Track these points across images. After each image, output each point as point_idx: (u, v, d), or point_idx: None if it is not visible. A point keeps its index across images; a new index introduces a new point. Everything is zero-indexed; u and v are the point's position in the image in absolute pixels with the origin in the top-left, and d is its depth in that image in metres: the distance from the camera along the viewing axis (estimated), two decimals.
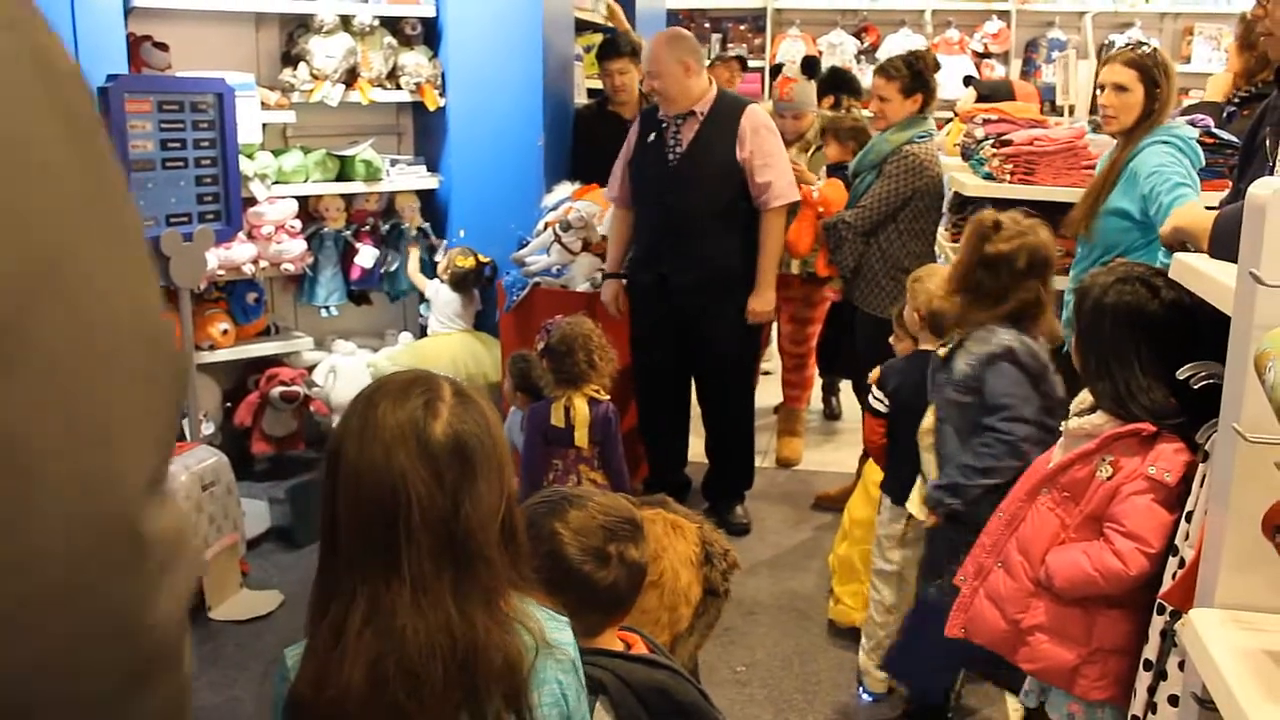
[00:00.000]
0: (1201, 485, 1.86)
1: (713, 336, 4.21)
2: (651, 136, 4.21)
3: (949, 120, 5.82)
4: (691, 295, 4.14)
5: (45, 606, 0.54)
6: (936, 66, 4.33)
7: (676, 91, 4.10)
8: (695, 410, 4.53)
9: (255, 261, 4.57)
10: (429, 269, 5.27)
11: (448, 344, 5.01)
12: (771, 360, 5.60)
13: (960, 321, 2.65)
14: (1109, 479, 2.05)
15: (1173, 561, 1.94)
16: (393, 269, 5.19)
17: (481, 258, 5.06)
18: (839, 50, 8.69)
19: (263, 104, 4.62)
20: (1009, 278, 2.59)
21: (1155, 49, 3.45)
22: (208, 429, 4.44)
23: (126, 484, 0.56)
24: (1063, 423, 2.25)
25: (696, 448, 4.58)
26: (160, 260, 3.89)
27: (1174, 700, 1.79)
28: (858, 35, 8.90)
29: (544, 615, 1.41)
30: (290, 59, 4.90)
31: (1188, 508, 1.92)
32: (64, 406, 0.54)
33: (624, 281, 4.38)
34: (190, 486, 3.58)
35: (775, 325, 5.15)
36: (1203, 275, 1.77)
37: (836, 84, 5.52)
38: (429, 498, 1.28)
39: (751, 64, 8.61)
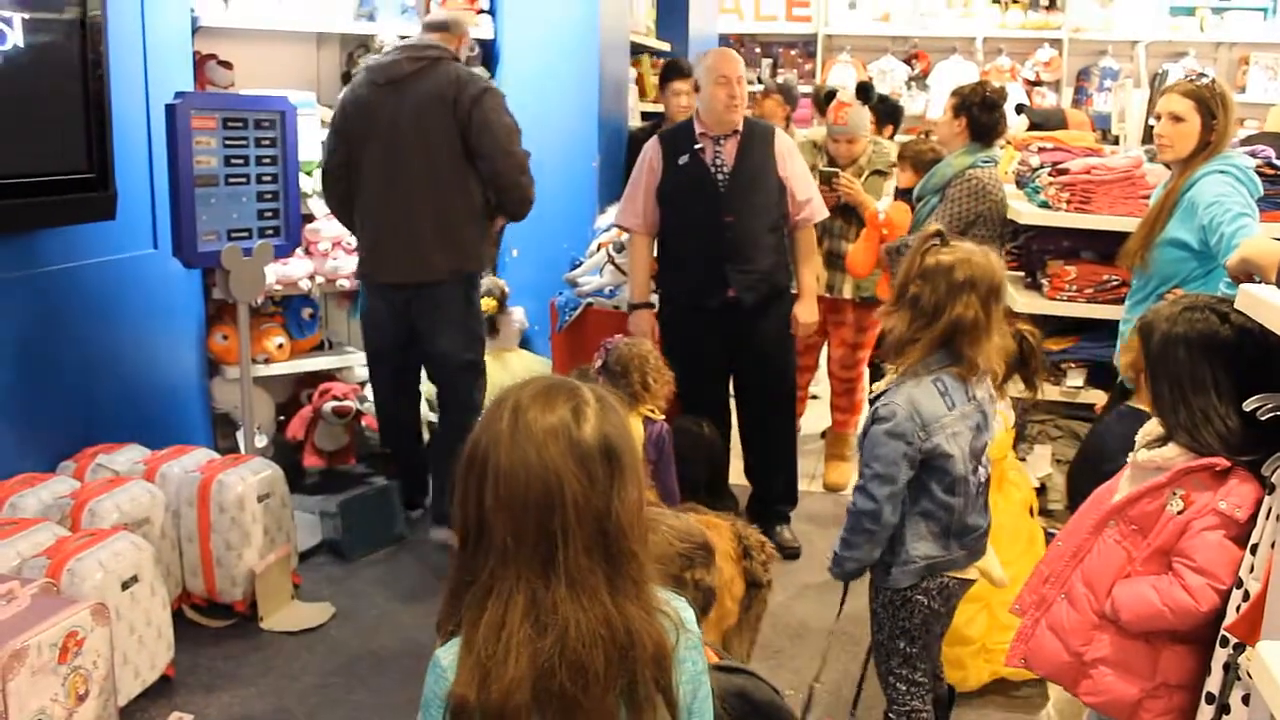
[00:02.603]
0: (1268, 518, 1.85)
1: (766, 353, 4.23)
2: (685, 159, 4.16)
3: (1001, 148, 5.81)
4: (752, 313, 4.15)
5: (526, 177, 4.13)
6: (999, 99, 4.30)
7: (745, 103, 4.16)
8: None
9: (312, 277, 4.64)
10: None
11: (494, 364, 5.04)
12: (820, 384, 5.59)
13: (900, 351, 2.57)
14: (1179, 513, 2.04)
15: (1236, 594, 1.93)
16: None
17: (504, 289, 5.11)
18: (889, 77, 8.70)
19: (323, 122, 4.69)
20: (945, 290, 2.48)
21: (1214, 80, 3.42)
22: (261, 441, 4.50)
23: (528, 168, 4.12)
24: (1130, 454, 2.23)
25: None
26: (221, 274, 3.96)
27: None
28: (908, 62, 8.91)
29: (670, 597, 1.46)
30: (350, 78, 4.97)
31: (1252, 540, 1.91)
32: (517, 148, 4.06)
33: (655, 309, 4.33)
34: (246, 498, 3.64)
35: (825, 349, 5.14)
36: (1270, 306, 1.77)
37: (886, 112, 5.54)
38: (584, 497, 1.33)
39: (802, 89, 8.66)
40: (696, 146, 4.15)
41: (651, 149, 4.27)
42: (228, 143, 3.99)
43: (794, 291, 4.31)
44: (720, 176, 4.13)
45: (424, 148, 3.97)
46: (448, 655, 1.38)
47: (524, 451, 1.34)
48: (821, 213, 4.28)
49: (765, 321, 4.19)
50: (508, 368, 5.00)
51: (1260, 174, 3.51)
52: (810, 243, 4.28)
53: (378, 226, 4.07)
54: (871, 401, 2.66)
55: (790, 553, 4.34)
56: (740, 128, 4.14)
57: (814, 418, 5.65)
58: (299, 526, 4.07)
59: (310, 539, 4.25)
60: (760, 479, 4.48)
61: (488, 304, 5.05)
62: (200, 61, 4.35)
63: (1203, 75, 3.47)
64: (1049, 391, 4.20)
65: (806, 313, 4.23)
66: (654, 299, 4.34)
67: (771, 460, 4.46)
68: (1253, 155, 3.70)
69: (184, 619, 3.63)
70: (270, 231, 4.18)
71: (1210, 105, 3.33)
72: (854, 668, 3.44)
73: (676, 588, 1.74)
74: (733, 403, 4.44)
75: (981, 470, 2.64)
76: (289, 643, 3.60)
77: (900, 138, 5.72)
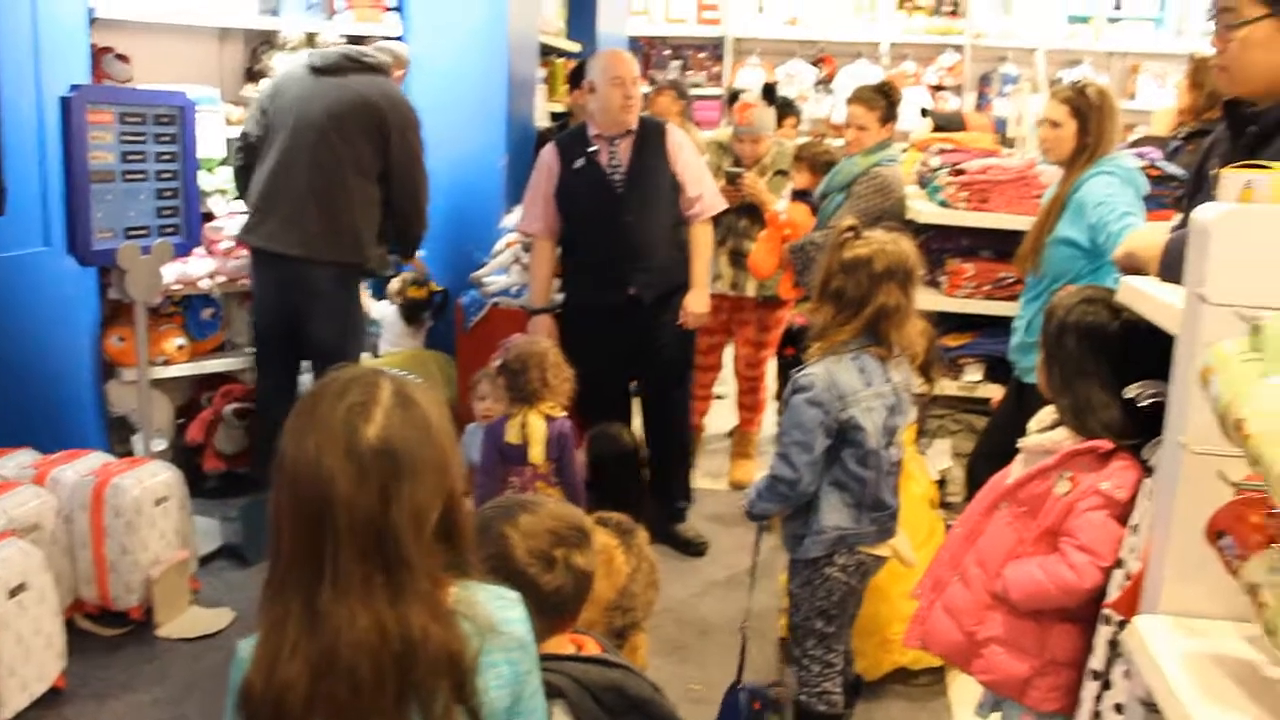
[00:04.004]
0: (1147, 499, 1.91)
1: (665, 344, 4.29)
2: (580, 162, 4.19)
3: (904, 150, 5.92)
4: (653, 309, 4.20)
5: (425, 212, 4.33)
6: (900, 97, 4.46)
7: (640, 103, 4.19)
8: None
9: (212, 277, 4.53)
10: (376, 289, 5.27)
11: (397, 363, 5.00)
12: (725, 384, 5.63)
13: (823, 333, 2.68)
14: (1066, 494, 2.11)
15: (1118, 573, 1.99)
16: None
17: (434, 286, 5.05)
18: (796, 80, 8.80)
19: (226, 119, 4.61)
20: (868, 281, 2.60)
21: (1087, 86, 3.54)
22: (159, 445, 4.39)
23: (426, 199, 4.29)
24: (1020, 440, 2.30)
25: None
26: (117, 273, 3.87)
27: (1119, 708, 1.83)
28: (815, 65, 9.02)
29: (491, 596, 1.42)
30: (254, 75, 4.90)
31: (1133, 520, 1.97)
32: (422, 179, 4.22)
33: (555, 314, 4.33)
34: (143, 502, 3.55)
35: (731, 348, 5.19)
36: (1149, 297, 1.83)
37: (783, 111, 5.63)
38: (355, 500, 1.28)
39: (711, 91, 8.75)
40: (591, 149, 4.18)
41: (548, 153, 4.29)
42: (125, 138, 3.90)
43: None
44: (617, 178, 4.17)
45: (336, 135, 3.99)
46: (246, 648, 1.36)
47: (305, 447, 1.30)
48: (716, 206, 4.32)
49: (666, 316, 4.24)
50: (426, 369, 4.96)
51: (1146, 174, 3.63)
52: (703, 236, 4.28)
53: (268, 194, 4.04)
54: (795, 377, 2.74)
55: (696, 549, 4.37)
56: (634, 127, 4.18)
57: (719, 417, 5.68)
58: (199, 531, 3.99)
59: (210, 543, 4.17)
60: (662, 477, 4.49)
61: (417, 291, 5.02)
62: (97, 54, 4.24)
63: (1081, 82, 3.58)
64: (947, 386, 4.30)
65: (696, 303, 4.23)
66: (557, 300, 4.38)
67: (674, 457, 4.50)
68: (1140, 156, 3.82)
69: (76, 628, 3.53)
70: (169, 229, 4.10)
71: (1084, 110, 3.47)
72: (758, 660, 3.48)
73: (545, 565, 1.75)
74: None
75: (894, 450, 2.74)
76: (186, 649, 3.53)
77: (800, 139, 5.80)
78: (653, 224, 4.17)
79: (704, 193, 4.26)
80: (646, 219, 4.16)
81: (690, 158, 4.27)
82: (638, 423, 4.48)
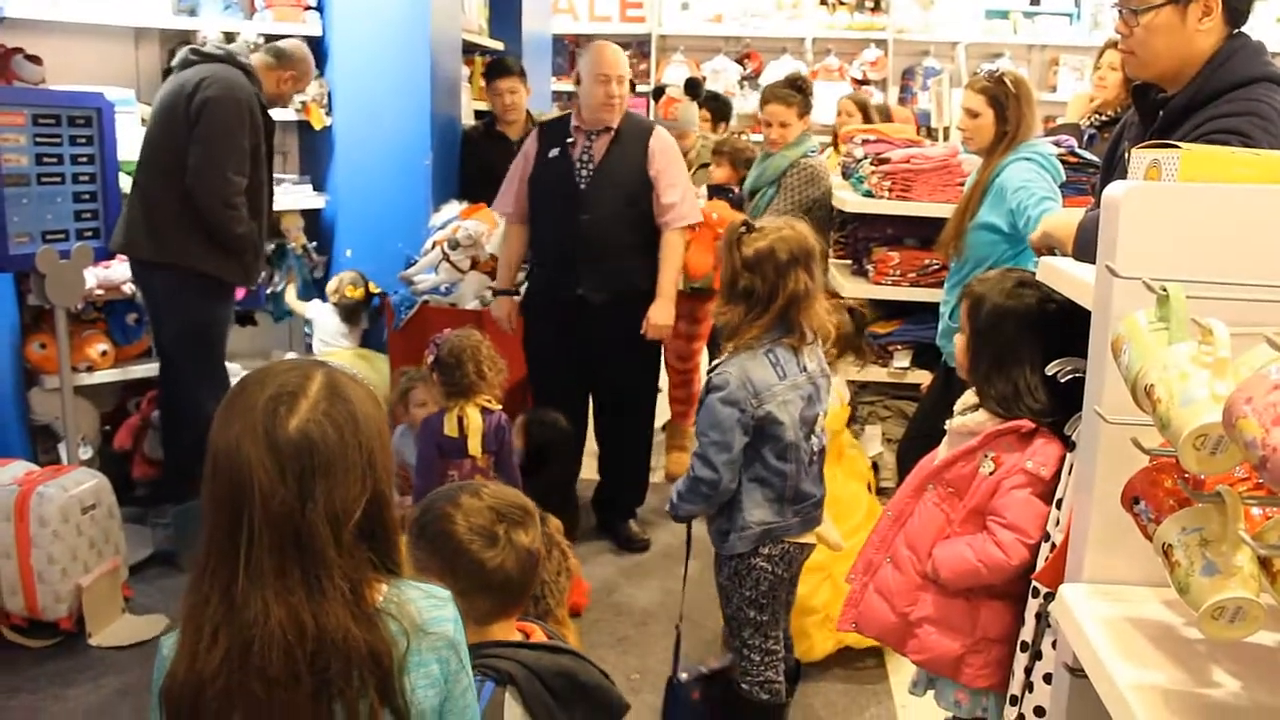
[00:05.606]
0: (1069, 474, 1.97)
1: (620, 354, 4.19)
2: (555, 151, 4.14)
3: (829, 144, 5.99)
4: (604, 312, 4.11)
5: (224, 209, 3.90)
6: (812, 88, 4.54)
7: (626, 101, 4.12)
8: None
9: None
10: (310, 289, 5.22)
11: (361, 363, 4.96)
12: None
13: (736, 333, 2.67)
14: (991, 474, 2.15)
15: (1045, 547, 2.04)
16: (278, 289, 5.12)
17: (372, 287, 5.02)
18: (722, 76, 8.86)
19: (143, 120, 4.53)
20: (774, 273, 2.59)
21: (1004, 75, 3.60)
22: (85, 453, 4.31)
23: (228, 197, 3.93)
24: (947, 421, 2.33)
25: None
26: (36, 278, 3.79)
27: (1049, 679, 1.88)
28: (740, 61, 9.09)
29: (421, 594, 1.40)
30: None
31: (1057, 496, 2.03)
32: (220, 165, 3.88)
33: (517, 298, 4.35)
34: (69, 510, 3.49)
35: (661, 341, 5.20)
36: (1065, 275, 1.88)
37: (715, 107, 5.67)
38: (271, 492, 1.27)
39: (638, 88, 8.78)
40: (569, 140, 4.13)
41: (531, 138, 4.27)
42: (39, 140, 3.82)
43: None
44: (584, 173, 4.10)
45: (156, 133, 3.95)
46: (169, 644, 1.35)
47: (228, 433, 1.29)
48: (691, 216, 4.20)
49: (618, 321, 4.11)
50: (376, 368, 4.92)
51: (1064, 162, 3.72)
52: (671, 245, 4.15)
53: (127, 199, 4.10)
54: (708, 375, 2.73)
55: (640, 545, 4.38)
56: (615, 125, 4.11)
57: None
58: (130, 538, 3.91)
59: (142, 550, 4.10)
60: (612, 476, 4.51)
61: (354, 291, 4.99)
62: (5, 55, 4.15)
63: (998, 72, 3.65)
64: (877, 373, 4.37)
65: (659, 314, 4.11)
66: (523, 288, 4.38)
67: (624, 460, 4.46)
68: (1057, 144, 3.91)
69: (4, 640, 3.47)
70: (89, 233, 4.02)
71: (1000, 99, 3.54)
72: (697, 650, 3.51)
73: (487, 541, 1.76)
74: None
75: (815, 440, 2.74)
76: (120, 657, 3.47)
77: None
78: (612, 225, 4.08)
79: (678, 201, 4.13)
80: (605, 219, 4.07)
81: (673, 164, 4.16)
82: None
